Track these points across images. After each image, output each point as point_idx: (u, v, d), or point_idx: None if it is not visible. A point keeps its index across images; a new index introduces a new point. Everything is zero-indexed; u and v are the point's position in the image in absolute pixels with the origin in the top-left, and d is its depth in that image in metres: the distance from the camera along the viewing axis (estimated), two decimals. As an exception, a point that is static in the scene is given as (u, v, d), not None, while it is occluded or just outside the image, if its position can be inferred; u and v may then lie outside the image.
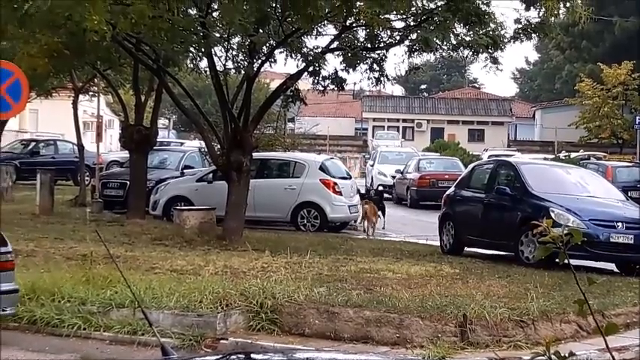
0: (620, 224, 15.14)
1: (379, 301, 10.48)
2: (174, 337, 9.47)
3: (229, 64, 18.10)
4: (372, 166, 37.84)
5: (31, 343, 9.67)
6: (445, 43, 17.12)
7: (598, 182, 17.93)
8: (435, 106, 71.48)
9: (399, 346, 9.68)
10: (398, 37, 17.65)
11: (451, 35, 16.94)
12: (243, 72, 18.07)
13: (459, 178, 19.75)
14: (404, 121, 68.97)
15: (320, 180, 22.16)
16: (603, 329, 3.01)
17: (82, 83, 28.42)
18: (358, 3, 15.85)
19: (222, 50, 17.95)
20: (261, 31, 16.88)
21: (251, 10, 15.72)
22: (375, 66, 18.50)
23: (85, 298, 10.40)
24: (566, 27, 52.69)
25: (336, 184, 22.34)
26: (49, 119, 45.15)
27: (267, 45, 17.71)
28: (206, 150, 20.06)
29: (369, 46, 18.19)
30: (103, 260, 11.94)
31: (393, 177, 34.13)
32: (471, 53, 17.75)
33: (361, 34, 18.39)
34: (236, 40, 17.88)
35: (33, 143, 36.98)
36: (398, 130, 66.19)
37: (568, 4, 16.68)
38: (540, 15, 16.93)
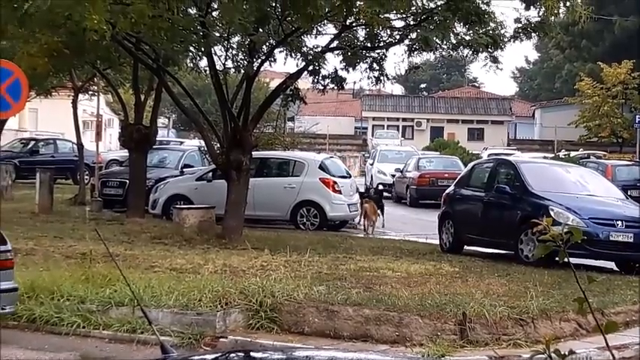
0: (619, 223, 15.15)
1: (379, 299, 10.49)
2: (173, 336, 9.47)
3: (229, 64, 18.11)
4: (372, 164, 37.84)
5: (30, 342, 9.67)
6: (445, 42, 17.11)
7: (598, 181, 17.94)
8: (434, 105, 71.49)
9: (399, 344, 9.68)
10: (398, 37, 17.65)
11: (451, 34, 16.92)
12: (242, 71, 18.07)
13: (459, 176, 19.76)
14: (403, 120, 68.99)
15: (319, 179, 22.16)
16: (603, 327, 3.01)
17: (81, 82, 28.43)
18: (358, 2, 15.86)
19: (222, 49, 17.96)
20: (260, 30, 16.87)
21: (251, 9, 15.72)
22: (374, 65, 18.50)
23: (85, 297, 10.40)
24: (566, 26, 52.79)
25: (335, 182, 22.34)
26: (49, 118, 45.16)
27: (267, 44, 17.70)
28: (206, 149, 20.07)
29: (368, 45, 18.19)
30: (102, 259, 11.94)
31: (393, 176, 34.13)
32: (470, 52, 17.74)
33: (361, 33, 18.39)
34: (236, 39, 17.88)
35: (32, 142, 37.01)
36: (397, 129, 66.23)
37: (568, 4, 16.66)
38: (540, 14, 16.93)
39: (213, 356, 3.47)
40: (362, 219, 22.78)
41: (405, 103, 72.05)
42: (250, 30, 16.23)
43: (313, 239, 18.01)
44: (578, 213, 15.07)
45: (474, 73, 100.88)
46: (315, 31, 17.89)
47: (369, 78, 18.83)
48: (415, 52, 17.78)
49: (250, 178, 18.25)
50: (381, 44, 18.06)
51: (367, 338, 9.81)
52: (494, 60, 17.77)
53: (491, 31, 16.90)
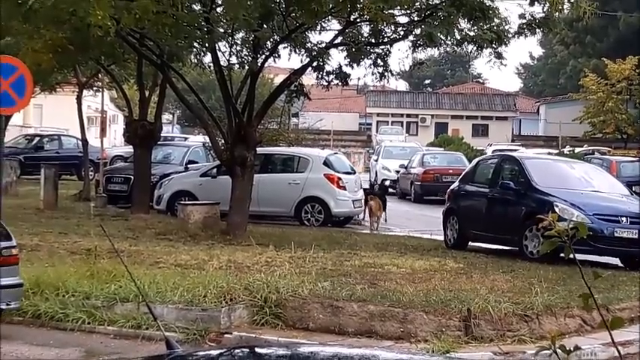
0: (624, 219, 15.13)
1: (383, 295, 10.49)
2: (178, 332, 9.48)
3: (233, 60, 18.13)
4: (376, 161, 37.82)
5: (35, 337, 9.69)
6: (449, 38, 17.08)
7: (602, 177, 17.90)
8: (438, 101, 71.42)
9: (403, 340, 9.69)
10: (402, 33, 17.62)
11: (455, 30, 16.89)
12: (247, 67, 18.05)
13: (463, 172, 19.73)
14: (408, 116, 68.97)
15: (324, 175, 22.16)
16: (609, 323, 3.00)
17: (86, 78, 28.45)
18: (362, -2, 15.83)
19: (226, 45, 17.97)
20: (265, 26, 16.86)
21: (255, 5, 15.72)
22: (379, 61, 18.48)
23: (90, 293, 10.42)
24: (571, 22, 52.63)
25: (340, 178, 22.33)
26: (54, 114, 45.25)
27: (271, 40, 17.69)
28: (210, 145, 20.08)
29: (373, 41, 18.17)
30: (107, 254, 11.95)
31: (397, 172, 34.12)
32: (475, 48, 17.69)
33: (365, 29, 18.36)
34: (240, 35, 17.88)
35: (37, 138, 37.08)
36: (402, 125, 66.20)
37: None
38: (544, 10, 16.90)
39: (218, 352, 3.48)
40: (366, 215, 22.78)
41: (409, 99, 72.03)
42: (254, 26, 16.23)
43: (318, 235, 18.02)
44: (583, 209, 15.06)
45: (479, 69, 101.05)
46: (319, 27, 17.89)
47: (373, 74, 18.82)
48: (419, 48, 17.75)
49: (255, 174, 18.26)
50: (386, 40, 18.04)
51: (372, 334, 9.82)
52: (499, 56, 17.73)
53: (495, 27, 16.86)
